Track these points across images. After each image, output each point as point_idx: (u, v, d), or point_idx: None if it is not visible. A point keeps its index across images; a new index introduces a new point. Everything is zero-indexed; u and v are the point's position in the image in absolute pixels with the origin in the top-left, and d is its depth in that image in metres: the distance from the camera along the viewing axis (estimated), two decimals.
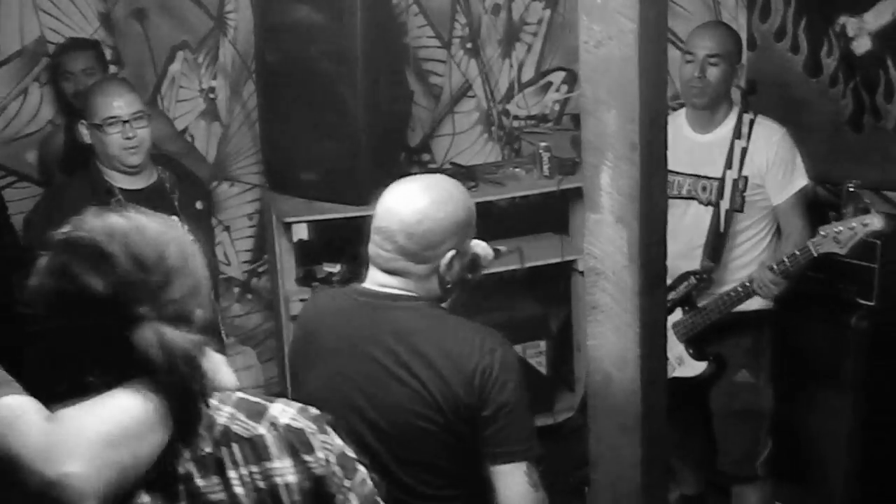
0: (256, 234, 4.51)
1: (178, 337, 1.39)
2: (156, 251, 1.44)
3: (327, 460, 1.55)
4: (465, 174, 4.33)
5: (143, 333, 1.38)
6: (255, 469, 1.49)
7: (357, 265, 4.09)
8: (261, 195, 4.40)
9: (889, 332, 3.73)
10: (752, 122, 3.39)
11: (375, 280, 2.24)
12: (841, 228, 3.05)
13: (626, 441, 2.41)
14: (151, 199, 3.14)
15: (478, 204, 4.23)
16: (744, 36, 4.38)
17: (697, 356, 3.41)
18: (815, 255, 3.11)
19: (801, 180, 3.34)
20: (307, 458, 1.53)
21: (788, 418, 3.71)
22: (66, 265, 1.41)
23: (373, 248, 2.22)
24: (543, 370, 4.33)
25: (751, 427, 3.42)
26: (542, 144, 4.30)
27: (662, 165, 2.43)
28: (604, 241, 2.44)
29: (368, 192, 4.03)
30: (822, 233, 3.09)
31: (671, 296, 3.39)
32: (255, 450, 1.50)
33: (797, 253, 3.14)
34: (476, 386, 2.12)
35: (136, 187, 3.24)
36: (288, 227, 3.95)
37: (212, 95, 4.32)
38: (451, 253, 2.19)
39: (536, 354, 4.31)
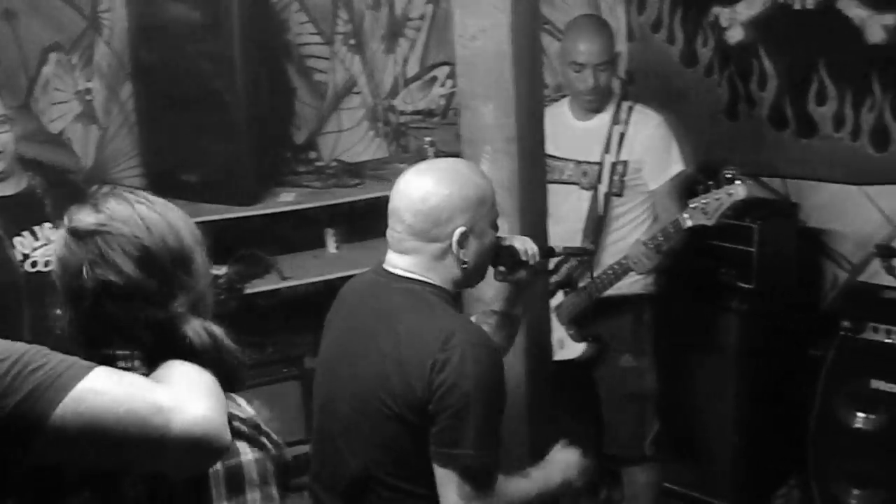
0: None
1: (213, 327, 1.55)
2: (182, 244, 1.59)
3: None
4: (350, 171, 4.32)
5: (191, 325, 1.53)
6: None
7: (245, 266, 4.05)
8: None
9: (768, 314, 3.85)
10: (630, 109, 3.47)
11: (389, 261, 2.27)
12: (708, 200, 3.11)
13: (512, 434, 2.44)
14: (21, 206, 3.03)
15: (363, 201, 4.32)
16: (622, 28, 4.47)
17: (578, 337, 3.46)
18: (685, 227, 3.15)
19: (677, 166, 3.42)
20: None
21: (675, 399, 3.79)
22: (104, 257, 1.50)
23: (388, 231, 2.24)
24: None
25: (637, 409, 3.49)
26: (427, 139, 4.30)
27: (540, 157, 2.46)
28: None
29: (253, 192, 3.99)
30: (691, 205, 3.14)
31: (553, 278, 3.44)
32: None
33: (669, 226, 3.20)
34: (427, 380, 2.06)
35: (4, 194, 3.12)
36: None
37: (88, 97, 4.19)
38: (461, 230, 2.14)
39: None
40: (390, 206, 2.21)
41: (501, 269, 2.32)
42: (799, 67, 4.07)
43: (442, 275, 2.20)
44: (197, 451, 1.38)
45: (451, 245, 2.15)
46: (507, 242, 2.28)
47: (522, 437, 2.47)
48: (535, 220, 2.40)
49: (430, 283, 2.19)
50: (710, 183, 3.13)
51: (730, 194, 3.09)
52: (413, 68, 4.80)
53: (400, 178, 2.22)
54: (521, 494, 2.22)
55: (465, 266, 2.17)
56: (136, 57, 3.96)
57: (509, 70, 2.28)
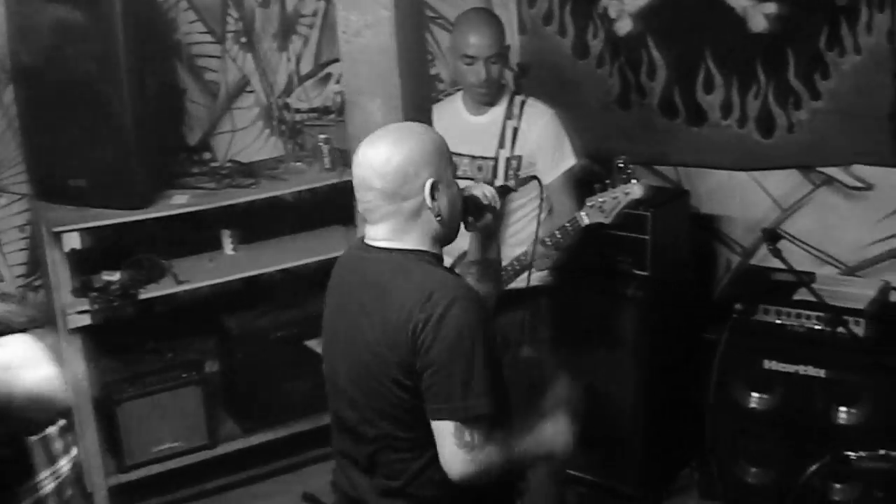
0: (30, 247, 4.28)
1: None
2: None
3: None
4: (245, 171, 4.25)
5: None
6: None
7: (139, 271, 3.97)
8: (30, 205, 4.18)
9: (663, 300, 3.91)
10: (523, 104, 3.48)
11: (367, 234, 2.28)
12: (605, 198, 3.16)
13: None
14: None
15: (261, 201, 4.27)
16: (514, 21, 4.49)
17: None
18: (583, 225, 3.21)
19: (569, 160, 3.45)
20: None
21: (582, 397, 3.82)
22: None
23: (359, 205, 2.24)
24: None
25: (537, 400, 3.51)
26: (322, 137, 4.26)
27: None
28: None
29: (143, 195, 3.90)
30: (588, 203, 3.19)
31: None
32: None
33: (567, 225, 3.24)
34: (411, 342, 2.10)
35: None
36: (58, 236, 3.76)
37: None
38: (430, 181, 2.17)
39: None
40: (355, 181, 2.22)
41: (469, 218, 2.38)
42: (686, 57, 4.16)
43: (420, 234, 2.23)
44: (41, 407, 1.52)
45: (423, 199, 2.19)
46: (466, 193, 2.34)
47: None
48: None
49: (409, 250, 2.22)
50: (608, 181, 3.17)
51: (626, 193, 3.15)
52: (307, 66, 4.75)
53: (357, 153, 2.23)
54: (521, 451, 2.30)
55: (440, 218, 2.21)
56: (17, 60, 3.83)
57: (394, 65, 2.27)
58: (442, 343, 2.08)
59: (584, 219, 3.19)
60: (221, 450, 4.11)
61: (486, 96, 3.47)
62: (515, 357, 3.48)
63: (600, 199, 3.16)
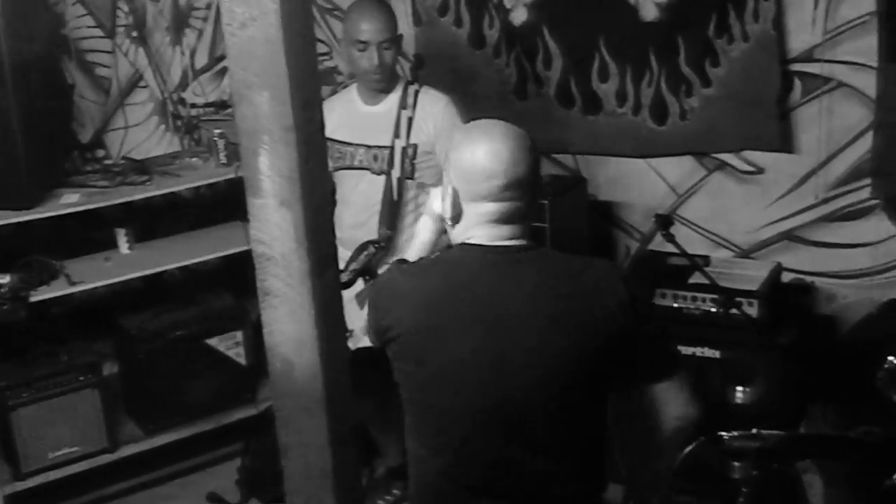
0: None
1: None
2: None
3: None
4: (138, 168, 4.17)
5: None
6: None
7: (30, 272, 3.86)
8: None
9: None
10: (416, 93, 3.50)
11: (498, 235, 2.13)
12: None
13: (313, 425, 2.40)
14: None
15: (156, 198, 4.19)
16: (409, 12, 4.48)
17: None
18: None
19: None
20: None
21: None
22: None
23: (495, 206, 2.11)
24: (243, 360, 4.25)
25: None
26: (217, 132, 4.20)
27: (320, 145, 2.42)
28: (270, 226, 2.41)
29: (31, 195, 3.80)
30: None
31: (352, 266, 3.43)
32: None
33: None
34: (611, 327, 2.04)
35: None
36: None
37: None
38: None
39: (234, 346, 4.23)
40: (498, 181, 2.09)
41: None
42: (581, 46, 4.20)
43: (531, 230, 2.19)
44: None
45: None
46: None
47: (321, 426, 2.44)
48: (318, 208, 2.37)
49: (540, 245, 2.20)
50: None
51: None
52: (202, 59, 4.68)
53: (477, 153, 2.12)
54: None
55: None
56: None
57: (282, 58, 2.23)
58: (635, 316, 2.07)
59: None
60: (122, 453, 4.03)
61: (380, 83, 3.46)
62: None
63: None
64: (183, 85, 4.64)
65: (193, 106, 4.67)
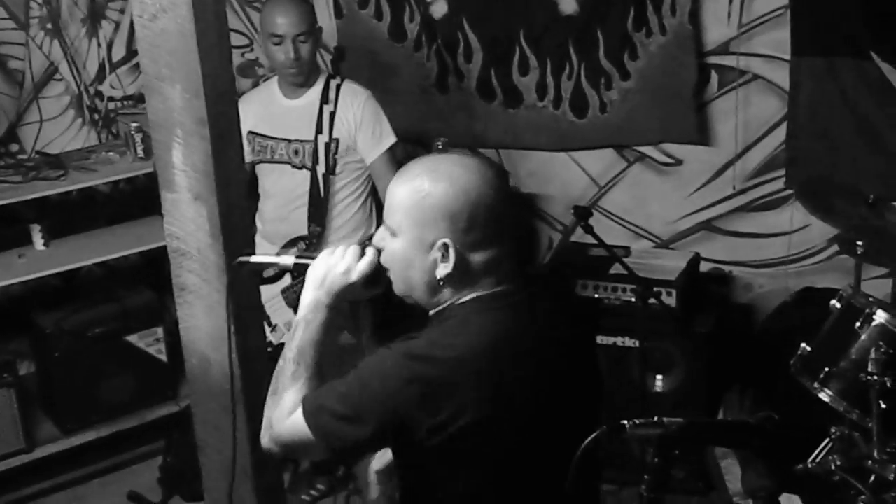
0: None
1: None
2: None
3: None
4: (52, 163, 4.08)
5: None
6: None
7: None
8: None
9: None
10: (338, 87, 3.49)
11: (506, 281, 1.89)
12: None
13: (230, 421, 2.38)
14: None
15: (72, 193, 4.12)
16: (329, 4, 4.45)
17: None
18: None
19: (390, 138, 3.49)
20: None
21: None
22: None
23: (508, 243, 1.88)
24: (164, 357, 4.19)
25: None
26: (134, 125, 4.13)
27: (234, 138, 2.40)
28: (184, 220, 2.38)
29: None
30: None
31: None
32: None
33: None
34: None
35: None
36: None
37: None
38: None
39: (154, 342, 4.16)
40: (501, 223, 1.86)
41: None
42: (501, 39, 4.22)
43: None
44: None
45: None
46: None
47: (241, 424, 2.42)
48: (234, 202, 2.35)
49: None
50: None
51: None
52: (119, 52, 4.59)
53: (483, 189, 1.84)
54: None
55: None
56: None
57: (194, 49, 2.20)
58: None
59: None
60: (39, 453, 3.94)
61: (298, 76, 3.45)
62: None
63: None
64: (100, 78, 4.55)
65: (111, 99, 4.59)
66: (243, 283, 2.43)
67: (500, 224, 1.85)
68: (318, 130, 3.45)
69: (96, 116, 4.56)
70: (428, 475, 1.89)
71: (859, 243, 3.16)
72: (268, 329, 3.49)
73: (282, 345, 3.40)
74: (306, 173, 3.48)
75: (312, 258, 2.03)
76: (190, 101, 2.33)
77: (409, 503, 2.00)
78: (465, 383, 1.79)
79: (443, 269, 1.85)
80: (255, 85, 4.64)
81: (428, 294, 1.93)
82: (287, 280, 3.47)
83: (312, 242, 3.44)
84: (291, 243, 3.47)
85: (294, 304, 3.45)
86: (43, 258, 4.03)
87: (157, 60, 2.34)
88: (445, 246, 1.83)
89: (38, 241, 4.08)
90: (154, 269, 4.40)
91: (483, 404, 1.78)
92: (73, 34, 4.45)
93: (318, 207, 3.45)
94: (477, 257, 1.85)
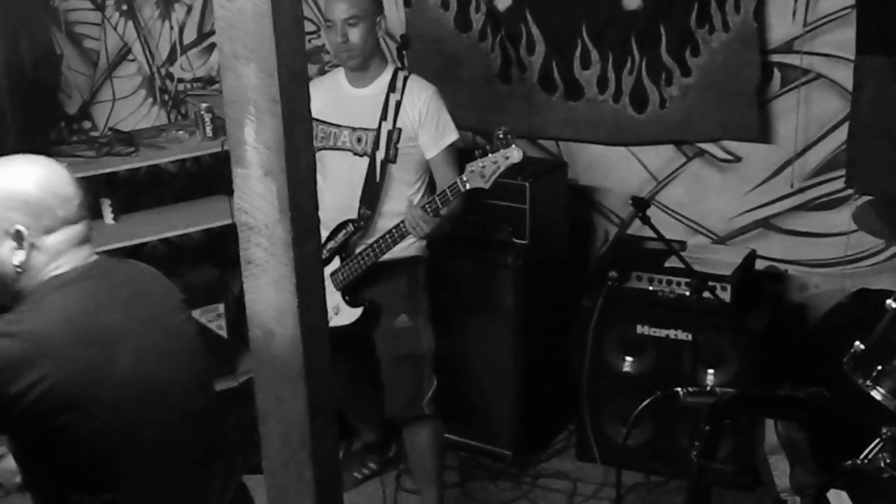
0: None
1: None
2: None
3: None
4: (124, 140, 4.21)
5: None
6: None
7: None
8: None
9: (541, 267, 4.02)
10: (406, 79, 3.49)
11: (86, 255, 2.11)
12: (485, 163, 3.19)
13: (291, 393, 2.45)
14: None
15: (142, 170, 4.23)
16: None
17: (353, 303, 3.51)
18: (463, 189, 3.22)
19: (452, 135, 3.46)
20: None
21: (454, 356, 3.91)
22: None
23: (71, 230, 2.07)
24: (224, 333, 4.31)
25: (414, 369, 3.55)
26: (204, 105, 4.24)
27: (305, 117, 2.46)
28: (253, 196, 2.45)
29: None
30: (469, 169, 3.22)
31: (330, 245, 3.48)
32: None
33: (447, 190, 3.26)
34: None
35: None
36: None
37: None
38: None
39: (216, 318, 4.28)
40: (73, 202, 2.08)
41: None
42: (563, 33, 4.25)
43: None
44: None
45: None
46: None
47: (301, 396, 2.49)
48: (302, 180, 2.42)
49: None
50: (487, 147, 3.21)
51: (506, 157, 3.17)
52: (190, 35, 4.71)
53: (41, 182, 2.04)
54: None
55: None
56: None
57: (270, 31, 2.27)
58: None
59: (465, 184, 3.22)
60: None
61: (350, 59, 3.44)
62: (390, 326, 3.53)
63: (480, 164, 3.19)
64: (171, 59, 4.68)
65: (181, 81, 4.71)
66: (308, 260, 2.50)
67: (71, 205, 2.05)
68: (384, 117, 3.47)
69: (166, 97, 4.68)
70: (34, 452, 2.03)
71: None
72: None
73: (331, 329, 3.49)
74: (367, 161, 3.52)
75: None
76: (264, 80, 2.40)
77: (30, 486, 2.13)
78: (44, 356, 1.91)
79: (19, 256, 2.02)
80: (321, 71, 4.73)
81: (12, 281, 2.06)
82: (337, 263, 3.52)
83: (361, 225, 3.48)
84: (340, 227, 3.51)
85: (342, 286, 3.51)
86: (111, 232, 4.15)
87: (234, 40, 2.41)
88: (19, 233, 2.00)
89: (108, 216, 4.21)
90: (217, 247, 4.52)
91: (63, 376, 1.91)
92: (147, 16, 4.57)
93: (372, 192, 3.48)
94: (50, 240, 2.03)
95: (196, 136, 4.31)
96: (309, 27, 4.75)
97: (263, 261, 2.50)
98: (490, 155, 3.19)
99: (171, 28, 4.65)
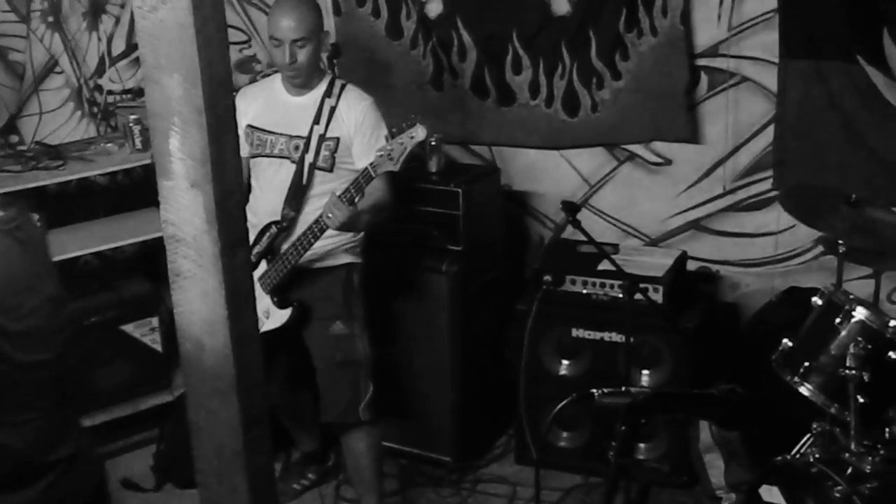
0: None
1: None
2: None
3: None
4: (51, 153, 4.14)
5: None
6: None
7: None
8: None
9: (476, 273, 4.04)
10: (343, 87, 3.51)
11: None
12: (392, 146, 3.24)
13: (223, 404, 2.43)
14: None
15: (71, 183, 4.17)
16: (329, 3, 4.51)
17: (281, 304, 3.50)
18: (374, 175, 3.27)
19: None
20: None
21: (391, 363, 3.91)
22: None
23: None
24: (159, 347, 4.26)
25: (351, 375, 3.55)
26: (132, 117, 4.19)
27: (231, 128, 2.45)
28: (180, 208, 2.43)
29: None
30: (377, 153, 3.26)
31: (256, 249, 3.47)
32: None
33: (359, 178, 3.29)
34: None
35: None
36: None
37: None
38: None
39: (150, 332, 4.23)
40: None
41: None
42: (495, 39, 4.28)
43: None
44: None
45: None
46: None
47: (233, 407, 2.47)
48: (229, 190, 2.40)
49: None
50: (393, 130, 3.27)
51: (411, 137, 3.24)
52: (119, 46, 4.66)
53: None
54: None
55: None
56: None
57: (192, 40, 2.26)
58: None
59: (374, 169, 3.26)
60: None
61: (296, 78, 3.47)
62: (325, 333, 3.52)
63: (388, 148, 3.24)
64: (99, 71, 4.62)
65: (110, 93, 4.65)
66: (238, 270, 2.48)
67: None
68: (316, 121, 3.47)
69: (95, 109, 4.62)
70: None
71: (841, 242, 3.23)
72: None
73: (263, 333, 3.47)
74: (296, 163, 3.50)
75: None
76: (188, 90, 2.38)
77: None
78: None
79: None
80: (253, 81, 4.70)
81: None
82: (264, 266, 3.52)
83: (284, 227, 3.48)
84: (264, 230, 3.52)
85: (270, 288, 3.51)
86: None
87: (156, 51, 2.39)
88: None
89: None
90: (150, 259, 4.46)
91: None
92: (74, 28, 4.51)
93: (297, 194, 3.48)
94: None
95: (125, 149, 4.26)
96: (240, 36, 4.72)
97: (191, 273, 2.48)
98: (396, 137, 3.24)
99: (99, 40, 4.59)
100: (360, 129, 3.46)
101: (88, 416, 4.10)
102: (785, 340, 3.18)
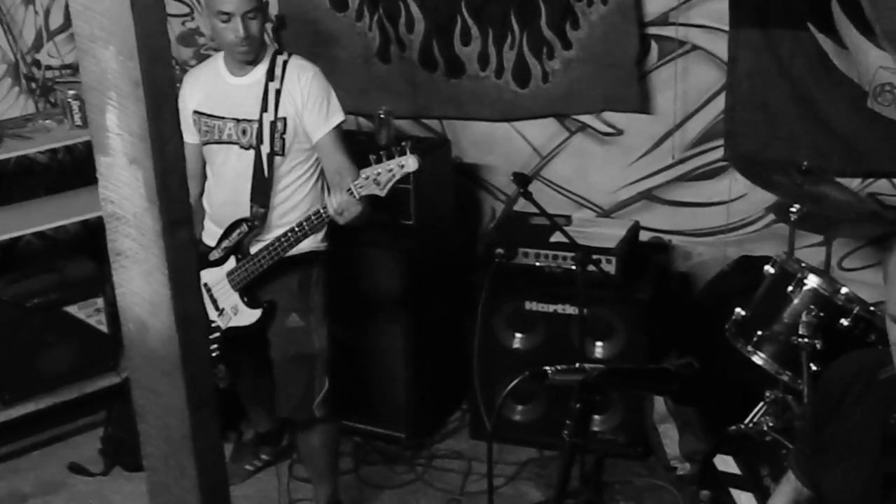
0: None
1: None
2: None
3: None
4: None
5: None
6: None
7: None
8: None
9: (428, 248, 3.99)
10: (285, 63, 3.34)
11: None
12: (380, 171, 3.09)
13: (169, 386, 2.37)
14: None
15: (10, 161, 4.05)
16: None
17: (251, 304, 3.39)
18: (358, 197, 3.12)
19: (337, 116, 3.34)
20: None
21: (343, 342, 3.81)
22: None
23: None
24: (104, 328, 4.17)
25: (305, 370, 3.43)
26: (71, 93, 4.07)
27: (171, 101, 2.36)
28: (119, 185, 2.35)
29: None
30: (363, 175, 3.11)
31: (224, 244, 3.36)
32: None
33: (343, 198, 3.14)
34: None
35: None
36: None
37: None
38: None
39: (95, 312, 4.14)
40: None
41: None
42: (443, 10, 4.21)
43: None
44: None
45: None
46: None
47: (179, 389, 2.41)
48: (170, 166, 2.32)
49: None
50: (382, 153, 3.11)
51: (402, 166, 3.08)
52: (57, 20, 4.52)
53: None
54: None
55: None
56: None
57: (128, 11, 2.16)
58: None
59: (360, 192, 3.12)
60: None
61: (248, 54, 3.30)
62: (283, 327, 3.40)
63: (376, 171, 3.09)
64: (37, 46, 4.48)
65: (48, 68, 4.52)
66: (181, 249, 2.41)
67: None
68: (264, 108, 3.31)
69: (33, 85, 4.49)
70: None
71: (793, 209, 3.23)
72: (214, 313, 3.44)
73: (230, 328, 3.39)
74: (253, 154, 3.36)
75: None
76: (124, 62, 2.29)
77: None
78: None
79: None
80: (197, 54, 4.60)
81: None
82: (232, 263, 3.41)
83: (255, 224, 3.36)
84: (234, 226, 3.39)
85: (239, 287, 3.40)
86: None
87: (90, 21, 2.29)
88: None
89: None
90: (94, 239, 4.36)
91: None
92: (9, 2, 4.37)
93: (262, 188, 3.35)
94: None
95: (65, 125, 4.14)
96: (182, 9, 4.60)
97: (133, 252, 2.40)
98: (385, 162, 3.10)
99: (36, 13, 4.45)
100: (307, 102, 3.31)
101: (33, 400, 4.02)
102: (738, 309, 3.18)
